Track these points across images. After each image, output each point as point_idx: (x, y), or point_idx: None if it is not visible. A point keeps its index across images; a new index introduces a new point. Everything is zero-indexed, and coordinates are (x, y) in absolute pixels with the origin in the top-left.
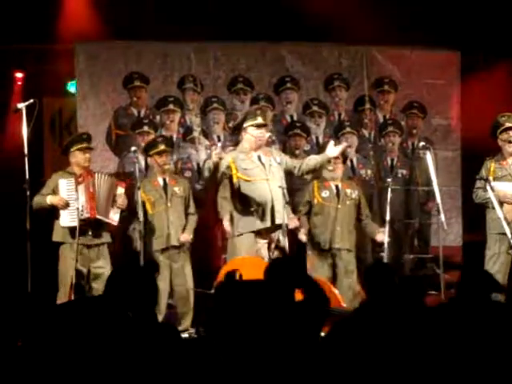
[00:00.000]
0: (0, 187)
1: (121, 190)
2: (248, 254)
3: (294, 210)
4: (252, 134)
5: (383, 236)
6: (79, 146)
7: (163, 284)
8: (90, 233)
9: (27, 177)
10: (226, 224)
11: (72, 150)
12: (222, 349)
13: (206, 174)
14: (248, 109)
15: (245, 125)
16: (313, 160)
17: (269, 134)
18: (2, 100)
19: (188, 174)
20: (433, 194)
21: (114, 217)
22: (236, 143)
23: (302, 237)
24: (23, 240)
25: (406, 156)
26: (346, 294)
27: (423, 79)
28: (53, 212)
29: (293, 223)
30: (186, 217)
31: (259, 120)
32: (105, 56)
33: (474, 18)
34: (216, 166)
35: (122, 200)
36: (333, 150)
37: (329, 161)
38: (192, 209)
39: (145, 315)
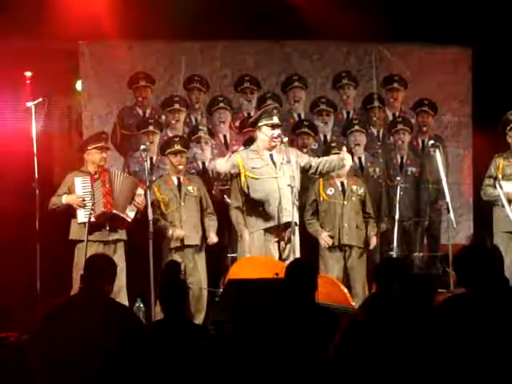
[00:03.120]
0: (9, 186)
1: (140, 191)
2: (258, 253)
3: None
4: (266, 133)
5: (374, 242)
6: (97, 145)
7: None
8: (107, 228)
9: (36, 176)
10: (247, 238)
11: (90, 148)
12: (237, 348)
13: (211, 174)
14: (264, 107)
15: (260, 124)
16: (331, 163)
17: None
18: (11, 99)
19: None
20: (443, 192)
21: (129, 213)
22: (244, 143)
23: (326, 240)
24: (32, 240)
25: (415, 154)
26: (357, 290)
27: (433, 76)
28: (68, 212)
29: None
30: (205, 217)
31: (275, 120)
32: (110, 56)
33: (485, 14)
34: (220, 174)
35: (140, 200)
36: (349, 161)
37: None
38: (210, 208)
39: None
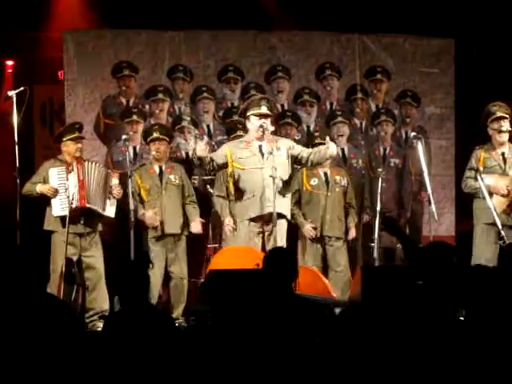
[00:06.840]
0: None
1: (115, 181)
2: (243, 244)
3: None
4: (253, 123)
5: (353, 233)
6: (71, 136)
7: (158, 272)
8: (82, 222)
9: (17, 165)
10: (229, 227)
11: (64, 139)
12: (217, 338)
13: (195, 162)
14: (253, 97)
15: (248, 113)
16: (318, 154)
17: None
18: None
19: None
20: (425, 184)
21: (110, 209)
22: (226, 133)
23: (310, 232)
24: (13, 229)
25: (399, 145)
26: (336, 282)
27: (417, 68)
28: (44, 200)
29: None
30: (187, 205)
31: (262, 109)
32: (94, 44)
33: (469, 6)
34: (202, 160)
35: (117, 190)
36: (333, 149)
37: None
38: (192, 197)
39: (138, 303)
